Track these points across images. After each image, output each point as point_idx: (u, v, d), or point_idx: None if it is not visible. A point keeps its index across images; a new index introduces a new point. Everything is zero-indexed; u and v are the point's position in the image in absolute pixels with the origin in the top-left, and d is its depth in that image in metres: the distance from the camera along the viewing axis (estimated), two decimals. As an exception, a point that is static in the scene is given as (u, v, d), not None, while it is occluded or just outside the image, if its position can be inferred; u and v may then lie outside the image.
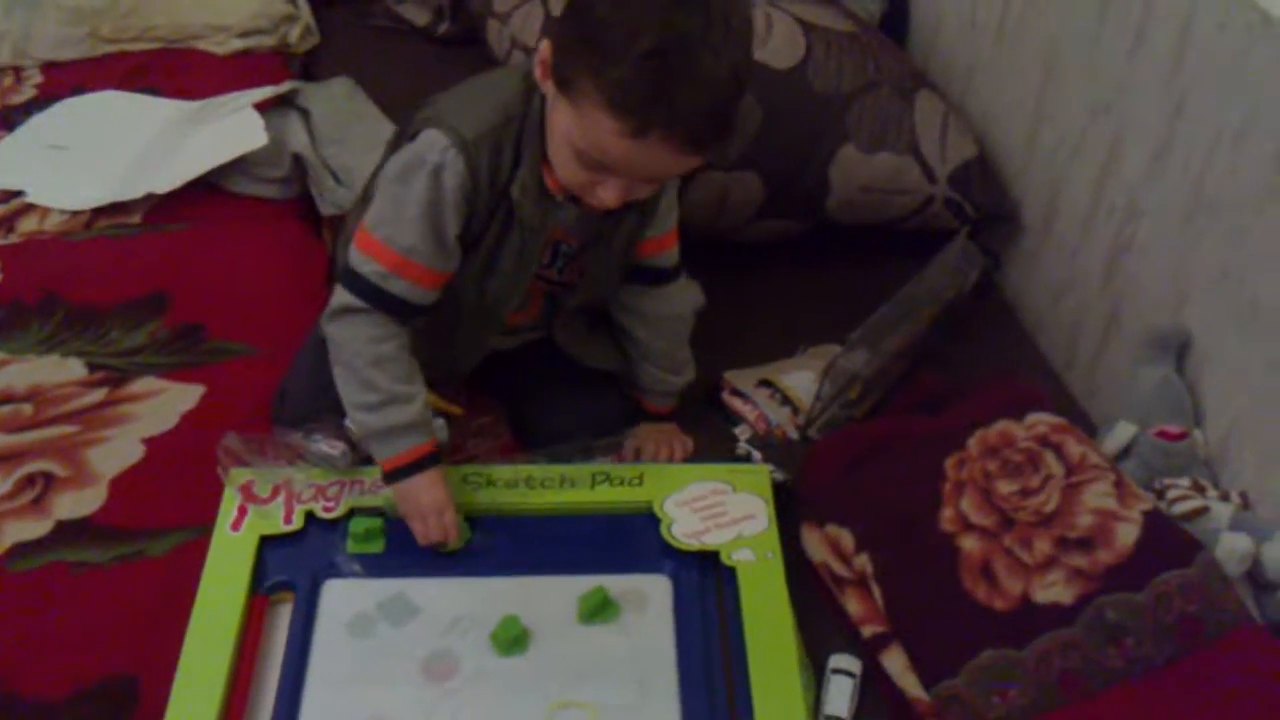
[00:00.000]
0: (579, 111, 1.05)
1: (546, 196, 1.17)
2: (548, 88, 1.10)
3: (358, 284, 1.17)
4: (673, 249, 1.31)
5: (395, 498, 1.20)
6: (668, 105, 1.01)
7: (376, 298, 1.16)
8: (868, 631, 1.15)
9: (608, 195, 1.10)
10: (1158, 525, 1.13)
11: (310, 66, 2.07)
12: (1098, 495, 1.15)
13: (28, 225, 1.67)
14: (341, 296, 1.18)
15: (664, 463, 1.31)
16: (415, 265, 1.16)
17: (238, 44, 2.04)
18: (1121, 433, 1.28)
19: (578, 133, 1.07)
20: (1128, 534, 1.12)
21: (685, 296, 1.36)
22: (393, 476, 1.19)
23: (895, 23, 1.89)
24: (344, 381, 1.19)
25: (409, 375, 1.19)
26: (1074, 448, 1.19)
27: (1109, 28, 1.40)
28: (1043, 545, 1.12)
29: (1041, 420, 1.23)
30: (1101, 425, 1.35)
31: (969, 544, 1.14)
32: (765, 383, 1.42)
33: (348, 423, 1.23)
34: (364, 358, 1.17)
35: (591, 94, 1.03)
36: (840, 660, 1.14)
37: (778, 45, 1.59)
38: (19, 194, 1.72)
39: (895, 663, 1.12)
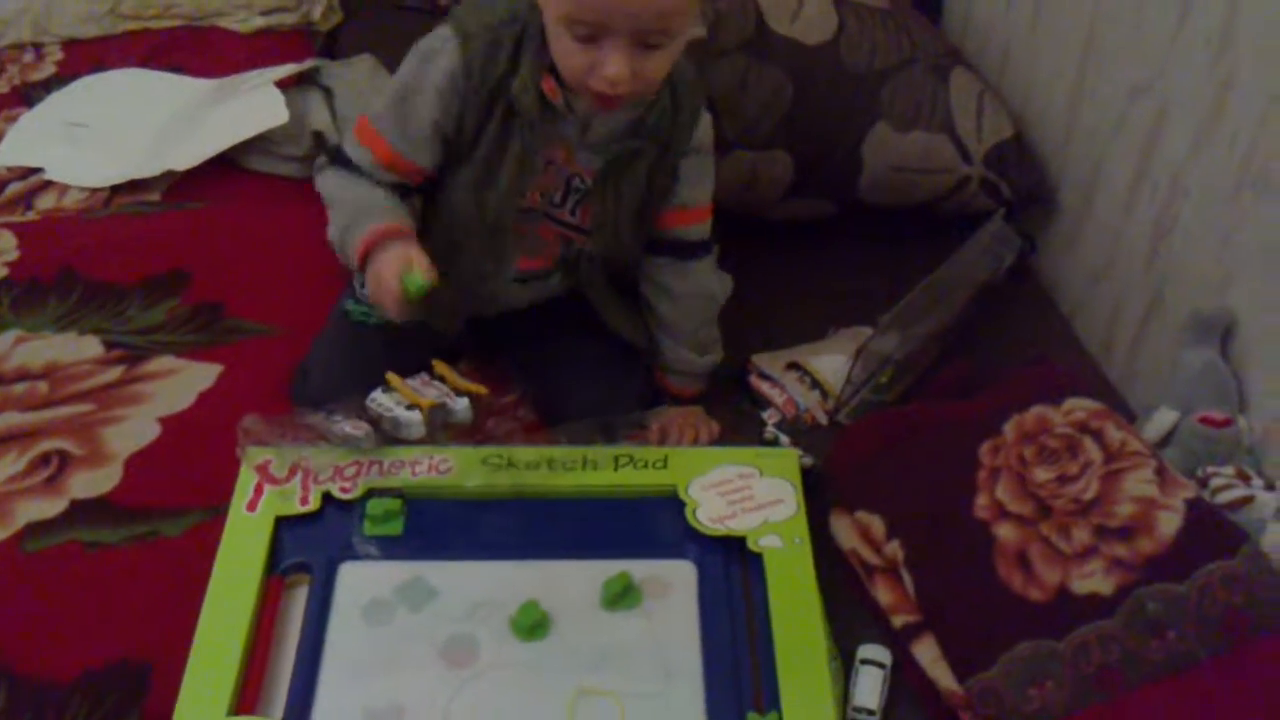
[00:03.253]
0: None
1: (547, 105, 1.15)
2: None
3: (332, 149, 1.27)
4: (700, 223, 1.30)
5: (369, 286, 1.19)
6: None
7: (336, 154, 1.25)
8: (899, 621, 1.12)
9: (611, 67, 1.07)
10: (1201, 514, 1.09)
11: (333, 44, 2.05)
12: (1138, 483, 1.11)
13: (46, 202, 1.66)
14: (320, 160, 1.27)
15: (689, 446, 1.28)
16: (373, 133, 1.21)
17: (260, 21, 2.02)
18: (1163, 419, 1.24)
19: (559, 2, 1.06)
20: (1169, 523, 1.08)
21: (713, 276, 1.33)
22: (364, 265, 1.18)
23: (929, 1, 1.85)
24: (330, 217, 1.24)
25: (382, 197, 1.22)
26: (1114, 434, 1.15)
27: (1152, 3, 1.35)
28: (1081, 534, 1.09)
29: (1080, 405, 1.19)
30: (1141, 412, 1.31)
31: (1005, 532, 1.10)
32: (794, 366, 1.38)
33: (369, 402, 1.20)
34: (335, 193, 1.23)
35: None
36: (869, 650, 1.10)
37: (809, 20, 1.55)
38: (38, 171, 1.71)
39: (927, 653, 1.09)
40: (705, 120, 1.26)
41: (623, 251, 1.29)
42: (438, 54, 1.16)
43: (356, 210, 1.20)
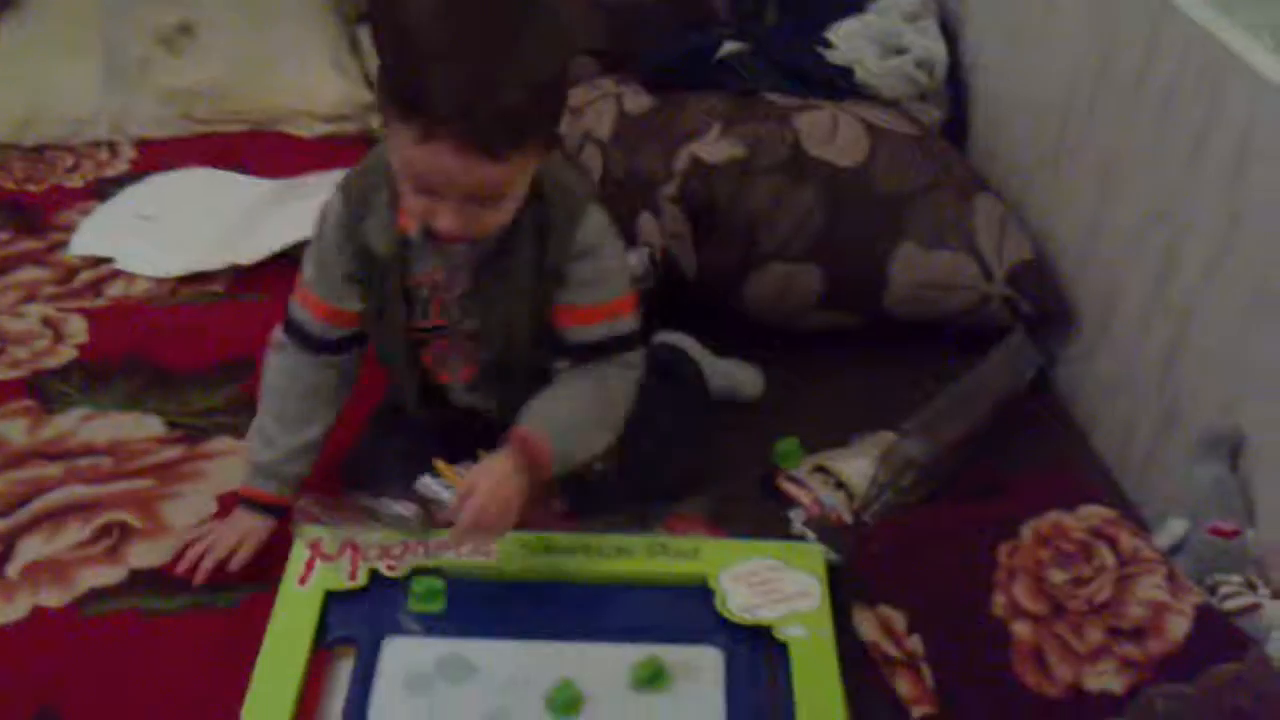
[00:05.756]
0: (392, 136, 1.10)
1: (398, 235, 1.21)
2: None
3: (284, 318, 1.32)
4: (598, 323, 1.24)
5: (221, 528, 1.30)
6: (437, 104, 1.03)
7: (288, 326, 1.31)
8: (918, 713, 1.16)
9: (443, 221, 1.11)
10: (1209, 618, 1.13)
11: (390, 152, 2.15)
12: (1149, 587, 1.15)
13: (115, 290, 1.75)
14: (276, 331, 1.33)
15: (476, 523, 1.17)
16: (310, 295, 1.28)
17: (322, 129, 2.13)
18: (1174, 528, 1.29)
19: (395, 157, 1.11)
20: (1179, 626, 1.12)
21: (624, 382, 1.28)
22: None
23: (955, 130, 1.95)
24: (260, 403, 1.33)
25: (296, 416, 1.30)
26: (1127, 540, 1.20)
27: (1169, 135, 1.43)
28: (1094, 634, 1.13)
29: (1095, 513, 1.24)
30: (1154, 521, 1.35)
31: (1021, 630, 1.15)
32: (820, 469, 1.44)
33: (418, 486, 1.27)
34: (267, 381, 1.32)
35: (391, 113, 1.08)
36: (889, 738, 1.15)
37: (843, 144, 1.64)
38: (108, 260, 1.80)
39: (945, 745, 1.13)
40: (592, 221, 1.21)
41: (526, 358, 1.28)
42: (329, 210, 1.25)
43: (266, 422, 1.31)
